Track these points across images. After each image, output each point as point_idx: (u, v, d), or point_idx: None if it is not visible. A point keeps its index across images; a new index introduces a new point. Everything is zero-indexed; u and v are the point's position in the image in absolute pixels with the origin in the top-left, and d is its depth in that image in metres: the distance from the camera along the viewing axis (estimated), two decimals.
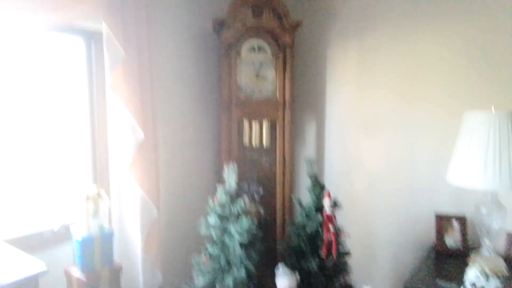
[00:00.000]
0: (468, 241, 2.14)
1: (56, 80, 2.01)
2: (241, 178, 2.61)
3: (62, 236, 1.94)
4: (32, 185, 1.92)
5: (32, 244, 1.84)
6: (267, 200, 2.62)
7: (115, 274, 1.87)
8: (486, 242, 1.94)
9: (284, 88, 2.50)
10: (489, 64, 2.12)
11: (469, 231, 2.14)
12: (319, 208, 2.08)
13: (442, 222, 2.19)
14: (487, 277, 1.67)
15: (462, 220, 2.17)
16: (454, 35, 2.22)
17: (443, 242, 2.17)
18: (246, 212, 1.93)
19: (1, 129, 1.78)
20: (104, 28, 1.88)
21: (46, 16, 1.66)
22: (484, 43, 2.13)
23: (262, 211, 2.60)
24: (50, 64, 1.98)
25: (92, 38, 2.10)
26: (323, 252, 1.98)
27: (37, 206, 1.93)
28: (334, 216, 2.03)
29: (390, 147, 2.49)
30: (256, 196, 2.64)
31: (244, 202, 2.54)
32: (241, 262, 1.83)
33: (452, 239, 2.16)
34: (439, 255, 2.13)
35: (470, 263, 1.89)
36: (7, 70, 1.81)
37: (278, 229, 2.50)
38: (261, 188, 2.65)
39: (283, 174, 2.53)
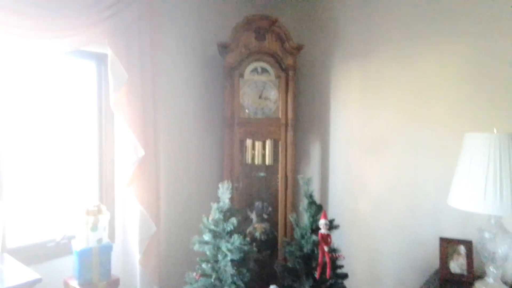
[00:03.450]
0: (473, 267, 2.03)
1: (69, 100, 2.17)
2: (244, 196, 2.67)
3: (64, 247, 2.03)
4: (40, 196, 2.04)
5: (36, 253, 1.94)
6: (272, 218, 2.63)
7: (112, 286, 1.94)
8: (490, 269, 1.83)
9: (286, 108, 2.54)
10: (493, 85, 2.07)
11: (476, 256, 2.03)
12: (315, 228, 2.06)
13: (447, 246, 2.10)
14: None
15: (467, 245, 2.07)
16: (457, 56, 2.19)
17: (447, 267, 2.07)
18: (240, 230, 1.95)
19: (13, 142, 1.93)
20: (109, 52, 2.02)
21: (56, 41, 1.81)
22: (487, 64, 2.09)
23: (268, 228, 2.61)
24: (64, 85, 2.14)
25: (102, 61, 2.26)
26: (317, 273, 1.95)
27: (43, 217, 2.05)
28: (330, 237, 2.00)
29: (394, 168, 2.45)
30: (264, 214, 2.67)
31: (251, 219, 2.60)
32: (232, 280, 1.83)
33: (457, 264, 2.06)
34: (443, 281, 2.04)
35: None
36: (25, 90, 1.97)
37: (279, 247, 2.49)
38: (269, 208, 2.67)
39: (285, 192, 2.53)
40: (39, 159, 2.04)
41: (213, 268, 1.90)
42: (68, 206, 2.13)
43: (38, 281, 1.54)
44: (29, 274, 1.55)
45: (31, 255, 1.92)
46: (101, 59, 2.24)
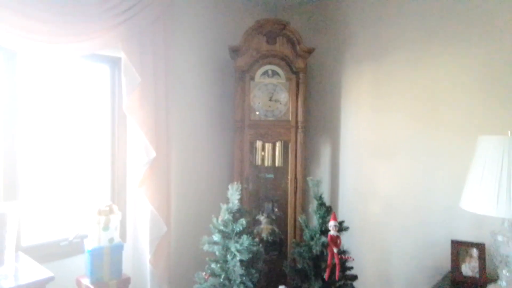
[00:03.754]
0: (486, 270, 2.00)
1: (84, 102, 2.22)
2: (254, 197, 2.68)
3: (77, 246, 2.07)
4: (55, 196, 2.09)
5: (49, 252, 1.99)
6: (282, 219, 2.63)
7: (123, 285, 1.96)
8: (503, 273, 1.80)
9: (297, 110, 2.55)
10: (505, 88, 2.05)
11: (490, 260, 2.00)
12: (325, 230, 2.06)
13: (458, 248, 2.07)
14: None
15: (480, 247, 2.04)
16: (469, 60, 2.18)
17: (459, 269, 2.05)
18: (249, 231, 1.96)
19: (29, 143, 1.98)
20: (122, 56, 2.06)
21: (72, 46, 1.86)
22: (500, 67, 2.07)
23: (277, 229, 2.61)
24: (79, 88, 2.20)
25: (116, 64, 2.30)
26: (326, 274, 1.95)
27: (56, 216, 2.10)
28: (339, 238, 2.00)
29: (406, 171, 2.43)
30: (272, 215, 2.67)
31: (260, 220, 2.61)
32: (241, 280, 1.84)
33: (469, 267, 2.04)
34: (454, 284, 2.01)
35: None
36: (42, 92, 2.03)
37: (288, 249, 2.49)
38: (277, 209, 2.68)
39: (295, 194, 2.54)
40: (54, 160, 2.09)
41: (222, 268, 1.91)
42: (81, 206, 2.17)
43: (51, 279, 1.57)
44: (43, 272, 1.59)
45: (45, 253, 1.96)
46: (115, 62, 2.29)
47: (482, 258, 2.02)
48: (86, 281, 1.90)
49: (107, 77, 2.33)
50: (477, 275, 2.01)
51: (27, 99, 1.95)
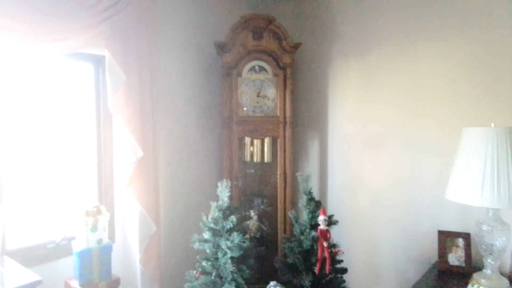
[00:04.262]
0: (471, 259, 2.05)
1: (67, 102, 2.17)
2: (243, 194, 2.68)
3: (65, 248, 2.04)
4: (40, 198, 2.05)
5: (36, 255, 1.95)
6: (271, 215, 2.64)
7: (113, 286, 1.95)
8: (488, 261, 1.85)
9: (285, 105, 2.55)
10: (490, 80, 2.08)
11: (475, 249, 2.05)
12: (314, 224, 2.08)
13: (445, 238, 2.12)
14: None
15: (466, 237, 2.09)
16: (454, 51, 2.20)
17: (446, 259, 2.09)
18: (239, 228, 1.97)
19: (12, 144, 1.94)
20: (106, 54, 2.03)
21: (53, 45, 1.81)
22: (484, 59, 2.10)
23: (265, 226, 2.63)
24: (62, 87, 2.15)
25: (100, 63, 2.26)
26: (317, 268, 1.96)
27: (42, 219, 2.06)
28: (329, 232, 2.01)
29: (393, 163, 2.46)
30: (260, 211, 2.68)
31: (250, 216, 2.62)
32: (232, 277, 1.85)
33: (455, 257, 2.08)
34: (441, 273, 2.05)
35: (470, 283, 1.82)
36: (23, 92, 1.98)
37: (279, 244, 2.50)
38: (267, 205, 2.69)
39: (284, 189, 2.54)
40: (38, 161, 2.05)
41: (213, 266, 1.91)
42: (67, 207, 2.14)
43: (38, 282, 1.55)
44: (30, 276, 1.56)
45: (31, 256, 1.93)
46: (98, 61, 2.25)
47: (467, 247, 2.06)
48: (75, 283, 1.87)
49: (91, 75, 2.28)
50: (463, 264, 2.06)
51: (8, 99, 1.90)
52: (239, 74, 2.53)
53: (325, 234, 1.98)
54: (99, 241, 1.91)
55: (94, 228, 1.89)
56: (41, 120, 2.06)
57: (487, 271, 1.85)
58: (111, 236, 2.20)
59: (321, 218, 2.01)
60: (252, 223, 2.57)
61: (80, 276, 1.85)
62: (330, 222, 2.06)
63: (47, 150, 2.09)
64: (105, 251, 1.92)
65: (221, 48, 2.49)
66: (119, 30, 2.04)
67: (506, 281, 1.81)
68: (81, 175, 2.25)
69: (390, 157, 2.47)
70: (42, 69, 2.05)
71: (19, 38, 1.66)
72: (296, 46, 2.53)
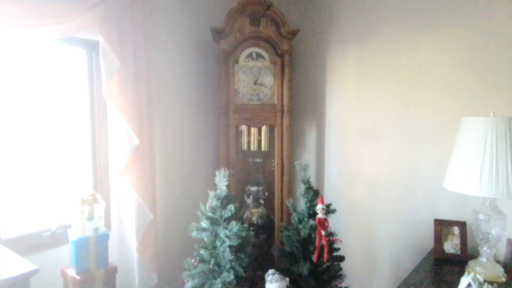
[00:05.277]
0: (467, 247, 2.07)
1: (60, 88, 2.12)
2: (240, 182, 2.67)
3: (60, 236, 2.02)
4: (34, 186, 2.02)
5: (31, 243, 1.93)
6: (268, 204, 2.64)
7: (110, 275, 1.94)
8: (484, 249, 1.87)
9: (282, 94, 2.52)
10: (489, 69, 2.07)
11: (470, 237, 2.07)
12: (312, 213, 2.07)
13: (441, 227, 2.14)
14: (480, 285, 1.61)
15: (461, 226, 2.10)
16: (454, 40, 2.18)
17: (442, 247, 2.11)
18: (238, 216, 1.96)
19: (5, 131, 1.89)
20: (100, 39, 1.97)
21: (45, 29, 1.75)
22: (485, 48, 2.08)
23: (265, 213, 2.63)
24: (56, 73, 2.09)
25: (94, 48, 2.20)
26: (314, 257, 1.97)
27: (37, 207, 2.03)
28: (327, 221, 2.01)
29: (390, 153, 2.46)
30: (260, 200, 2.68)
31: (248, 204, 2.61)
32: (230, 265, 1.84)
33: (451, 245, 2.10)
34: (437, 261, 2.08)
35: (466, 271, 1.84)
36: (15, 78, 1.92)
37: (276, 232, 2.51)
38: (265, 192, 2.68)
39: (282, 178, 2.53)
40: (32, 149, 2.01)
41: (211, 254, 1.90)
42: (62, 196, 2.11)
43: (35, 271, 1.52)
44: (26, 265, 1.54)
45: (27, 245, 1.90)
46: (92, 46, 2.19)
47: (463, 235, 2.09)
48: (71, 272, 1.86)
49: (84, 61, 2.22)
50: (459, 252, 2.08)
51: (0, 87, 1.85)
52: (236, 61, 2.48)
53: (323, 223, 1.98)
54: (96, 229, 1.89)
55: (90, 217, 1.87)
56: (35, 108, 2.01)
57: (483, 259, 1.87)
58: (107, 225, 2.18)
59: (319, 207, 2.00)
60: (255, 210, 2.56)
61: (76, 265, 1.83)
62: (328, 210, 2.06)
63: (41, 138, 2.04)
64: (102, 239, 1.91)
65: (218, 34, 2.43)
66: (113, 14, 1.97)
67: (501, 269, 1.84)
68: (76, 163, 2.21)
69: (387, 146, 2.47)
70: (33, 55, 1.99)
71: (9, 22, 1.60)
72: (294, 33, 2.49)
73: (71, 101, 2.18)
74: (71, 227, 1.92)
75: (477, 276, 1.64)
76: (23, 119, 1.97)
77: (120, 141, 2.09)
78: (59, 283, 1.91)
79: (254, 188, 2.69)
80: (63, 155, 2.14)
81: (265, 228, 2.57)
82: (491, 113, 1.78)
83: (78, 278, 1.81)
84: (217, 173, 2.00)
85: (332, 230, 2.09)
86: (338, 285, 2.10)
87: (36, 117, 2.02)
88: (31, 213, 2.00)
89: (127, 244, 2.18)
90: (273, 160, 2.59)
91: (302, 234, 2.05)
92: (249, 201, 2.63)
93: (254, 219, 2.54)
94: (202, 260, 1.93)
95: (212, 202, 1.96)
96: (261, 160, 2.70)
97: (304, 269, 1.96)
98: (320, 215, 2.00)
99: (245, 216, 2.53)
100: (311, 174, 2.77)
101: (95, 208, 1.88)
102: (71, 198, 1.92)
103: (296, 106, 2.83)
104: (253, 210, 2.60)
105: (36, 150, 2.03)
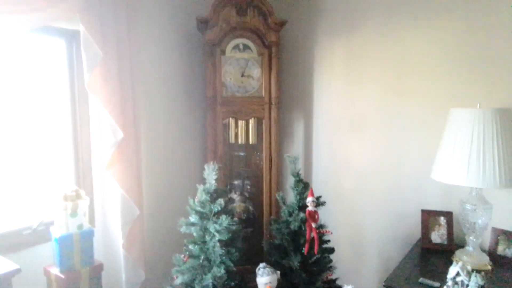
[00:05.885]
0: (453, 236, 2.11)
1: (39, 81, 2.02)
2: (228, 176, 2.63)
3: (42, 234, 1.94)
4: (13, 182, 1.93)
5: (12, 242, 1.85)
6: (255, 197, 2.62)
7: (96, 272, 1.88)
8: (470, 239, 1.90)
9: (270, 86, 2.49)
10: (477, 60, 2.08)
11: (457, 227, 2.10)
12: (302, 206, 2.06)
13: (428, 217, 2.16)
14: (468, 273, 1.64)
15: (448, 216, 2.13)
16: (441, 31, 2.18)
17: (429, 237, 2.14)
18: (227, 210, 1.93)
19: None
20: (81, 29, 1.88)
21: (22, 17, 1.66)
22: (472, 39, 2.09)
23: (251, 207, 2.61)
24: (34, 65, 1.99)
25: (73, 38, 2.11)
26: (305, 249, 1.96)
27: (18, 203, 1.94)
28: (317, 213, 2.01)
29: (378, 144, 2.47)
30: (245, 193, 2.66)
31: (233, 198, 2.59)
32: (221, 260, 1.82)
33: (438, 235, 2.13)
34: (424, 251, 2.10)
35: (453, 260, 1.87)
36: None
37: (265, 226, 2.49)
38: (250, 186, 2.66)
39: (270, 171, 2.51)
40: (11, 144, 1.91)
41: (201, 249, 1.87)
42: (43, 192, 2.03)
43: (17, 271, 1.47)
44: (7, 264, 1.47)
45: (7, 244, 1.83)
46: (72, 36, 2.10)
47: (450, 225, 2.12)
48: (55, 270, 1.79)
49: (63, 52, 2.13)
50: (445, 242, 2.11)
51: None
52: (223, 52, 2.43)
53: (313, 215, 1.98)
54: (80, 226, 1.83)
55: (74, 213, 1.80)
56: (13, 102, 1.91)
57: (469, 248, 1.91)
58: (91, 221, 2.10)
59: (309, 200, 1.99)
60: (239, 204, 2.54)
61: (60, 263, 1.77)
62: (318, 203, 2.05)
63: (20, 132, 1.95)
64: (87, 236, 1.85)
65: (204, 24, 2.37)
66: (95, 2, 1.89)
67: (487, 257, 1.88)
68: (57, 158, 2.12)
69: (375, 138, 2.48)
70: (8, 46, 1.88)
71: None
72: (282, 24, 2.45)
73: (51, 93, 2.08)
74: (54, 224, 1.85)
75: (465, 265, 1.66)
76: (1, 113, 1.87)
77: (104, 134, 2.02)
78: (42, 282, 1.84)
79: (238, 181, 2.67)
80: (44, 150, 2.06)
81: (250, 221, 2.56)
82: (478, 104, 1.80)
83: (63, 276, 1.75)
84: (206, 166, 1.96)
85: (322, 222, 2.08)
86: (329, 277, 2.10)
87: (15, 111, 1.92)
88: (11, 210, 1.91)
89: (113, 241, 2.12)
90: (261, 153, 2.56)
91: (292, 227, 2.04)
92: (235, 195, 2.61)
93: (239, 211, 2.53)
94: (191, 255, 1.90)
95: (201, 196, 1.92)
96: (249, 153, 2.68)
97: (295, 262, 1.95)
98: (310, 208, 1.99)
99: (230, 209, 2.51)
100: (300, 166, 2.75)
101: (78, 204, 1.82)
102: (53, 194, 1.84)
103: (284, 98, 2.80)
104: (237, 205, 2.59)
105: (15, 145, 1.93)
